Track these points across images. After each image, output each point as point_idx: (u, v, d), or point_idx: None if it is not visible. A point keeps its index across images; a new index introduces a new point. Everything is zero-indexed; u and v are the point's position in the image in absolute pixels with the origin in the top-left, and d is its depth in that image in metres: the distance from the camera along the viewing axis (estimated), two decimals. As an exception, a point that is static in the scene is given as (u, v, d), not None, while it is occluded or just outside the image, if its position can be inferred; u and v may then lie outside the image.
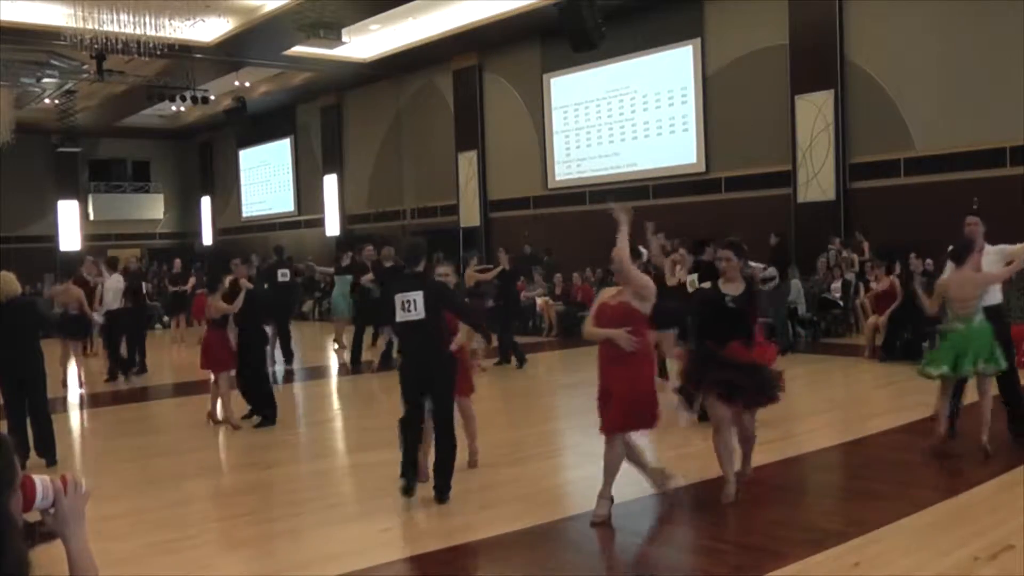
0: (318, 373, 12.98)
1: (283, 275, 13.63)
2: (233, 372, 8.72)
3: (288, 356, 13.60)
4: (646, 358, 5.22)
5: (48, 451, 7.23)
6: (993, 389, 6.59)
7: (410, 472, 5.73)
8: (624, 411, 5.06)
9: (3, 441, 1.86)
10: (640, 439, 5.56)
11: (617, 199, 18.83)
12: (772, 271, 8.16)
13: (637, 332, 5.11)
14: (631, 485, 5.79)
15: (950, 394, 6.61)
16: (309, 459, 7.81)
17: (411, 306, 5.71)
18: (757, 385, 5.47)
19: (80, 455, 8.13)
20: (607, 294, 5.37)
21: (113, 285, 12.45)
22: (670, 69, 17.74)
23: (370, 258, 12.74)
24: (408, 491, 5.70)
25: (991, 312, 6.59)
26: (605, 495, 5.20)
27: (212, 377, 8.86)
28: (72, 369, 12.25)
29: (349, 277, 14.45)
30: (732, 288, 5.63)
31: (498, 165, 21.46)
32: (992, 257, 6.71)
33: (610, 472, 5.21)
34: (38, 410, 7.23)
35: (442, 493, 5.76)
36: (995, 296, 6.71)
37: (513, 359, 11.68)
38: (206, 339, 8.91)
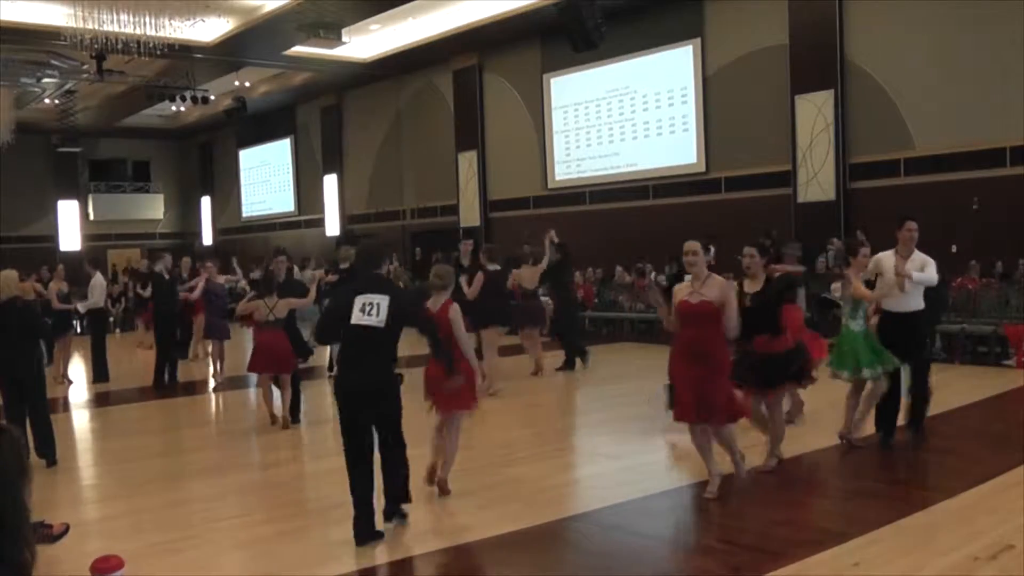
0: (316, 373, 12.96)
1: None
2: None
3: None
4: (723, 360, 5.50)
5: (48, 452, 7.23)
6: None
7: (364, 516, 5.00)
8: (693, 407, 5.37)
9: (12, 436, 1.87)
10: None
11: (617, 200, 18.91)
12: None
13: (715, 329, 5.40)
14: (629, 485, 5.80)
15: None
16: (309, 459, 7.82)
17: (373, 310, 5.04)
18: (785, 370, 6.01)
19: (80, 455, 8.12)
20: (683, 291, 5.58)
21: (98, 283, 12.39)
22: (670, 69, 17.75)
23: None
24: (363, 538, 4.95)
25: (902, 317, 6.66)
26: (713, 472, 5.60)
27: (265, 379, 8.71)
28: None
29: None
30: (753, 286, 6.03)
31: (498, 165, 21.47)
32: (916, 263, 6.75)
33: (702, 454, 5.59)
34: (37, 411, 7.23)
35: (393, 511, 5.26)
36: (916, 302, 6.77)
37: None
38: (268, 340, 8.54)
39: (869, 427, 6.99)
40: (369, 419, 5.08)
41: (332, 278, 11.45)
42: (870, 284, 6.76)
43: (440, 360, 5.50)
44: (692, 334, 5.44)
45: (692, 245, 5.48)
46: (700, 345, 5.39)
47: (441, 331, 5.65)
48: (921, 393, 6.88)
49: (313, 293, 9.21)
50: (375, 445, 5.14)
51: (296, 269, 14.52)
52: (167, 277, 12.38)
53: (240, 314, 9.37)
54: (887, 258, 6.82)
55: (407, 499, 5.32)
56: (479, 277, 9.80)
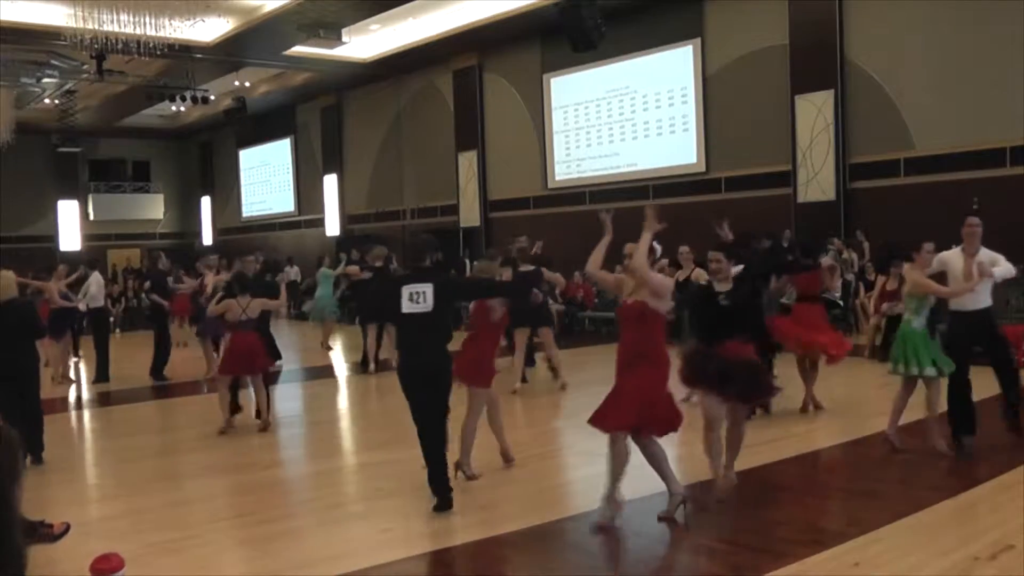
0: (315, 373, 12.98)
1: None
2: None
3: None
4: (662, 361, 5.15)
5: (35, 451, 7.20)
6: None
7: (437, 475, 5.56)
8: (635, 411, 5.01)
9: (10, 436, 1.85)
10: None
11: (617, 199, 18.92)
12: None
13: (653, 332, 5.13)
14: (629, 485, 5.78)
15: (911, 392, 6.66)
16: (309, 459, 7.81)
17: (420, 298, 5.60)
18: (748, 380, 5.54)
19: (80, 455, 8.13)
20: (627, 289, 5.31)
21: (96, 282, 12.38)
22: (670, 69, 17.74)
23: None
24: (439, 493, 5.50)
25: (975, 315, 6.54)
26: (610, 497, 5.13)
27: (225, 381, 8.55)
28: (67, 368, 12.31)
29: (332, 277, 14.59)
30: (724, 286, 5.76)
31: (498, 165, 21.46)
32: (984, 259, 6.57)
33: (614, 473, 5.13)
34: (30, 410, 7.21)
35: (443, 502, 5.51)
36: (986, 298, 6.61)
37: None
38: (240, 341, 8.37)
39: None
40: (424, 397, 5.61)
41: (366, 275, 12.03)
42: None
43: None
44: (629, 337, 5.18)
45: (630, 247, 5.29)
46: (638, 348, 5.10)
47: (489, 319, 6.29)
48: (1016, 392, 6.65)
49: (284, 295, 9.21)
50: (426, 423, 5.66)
51: (292, 270, 14.70)
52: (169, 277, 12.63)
53: (212, 314, 9.24)
54: (954, 256, 6.65)
55: (448, 490, 5.57)
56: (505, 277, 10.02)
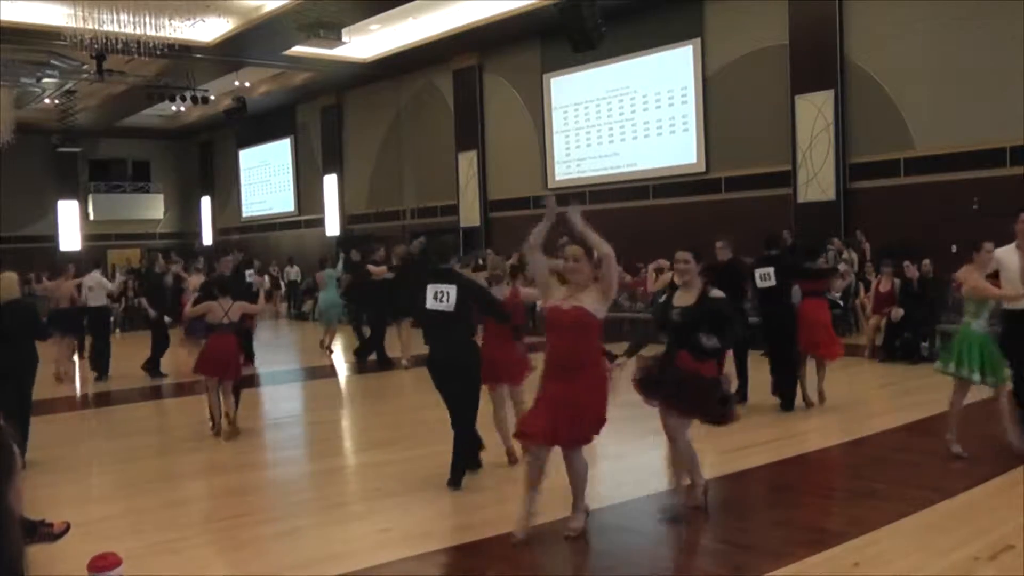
0: (315, 373, 12.97)
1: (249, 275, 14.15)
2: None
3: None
4: (601, 367, 4.92)
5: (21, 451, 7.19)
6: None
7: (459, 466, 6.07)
8: (588, 424, 4.86)
9: (5, 436, 1.80)
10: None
11: (617, 199, 18.90)
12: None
13: (590, 340, 4.85)
14: (630, 485, 5.79)
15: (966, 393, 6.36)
16: (309, 459, 7.80)
17: (444, 297, 5.95)
18: (694, 398, 5.24)
19: (80, 455, 8.11)
20: (558, 294, 4.94)
21: (95, 282, 12.39)
22: (670, 69, 17.75)
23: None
24: (454, 483, 6.02)
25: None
26: (579, 507, 5.03)
27: (212, 383, 8.37)
28: (70, 366, 12.28)
29: (336, 279, 14.64)
30: (685, 298, 5.35)
31: (498, 165, 21.47)
32: None
33: (579, 484, 5.05)
34: (21, 409, 7.21)
35: (456, 478, 6.02)
36: None
37: None
38: (218, 344, 8.25)
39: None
40: (453, 388, 6.05)
41: (389, 275, 12.43)
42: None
43: (506, 324, 6.38)
44: (563, 345, 4.80)
45: (575, 250, 4.88)
46: (572, 358, 4.76)
47: (517, 316, 6.55)
48: None
49: (262, 300, 9.26)
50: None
51: (292, 269, 14.65)
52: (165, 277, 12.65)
53: (191, 315, 9.10)
54: (1007, 254, 6.37)
55: (463, 473, 6.10)
56: None
